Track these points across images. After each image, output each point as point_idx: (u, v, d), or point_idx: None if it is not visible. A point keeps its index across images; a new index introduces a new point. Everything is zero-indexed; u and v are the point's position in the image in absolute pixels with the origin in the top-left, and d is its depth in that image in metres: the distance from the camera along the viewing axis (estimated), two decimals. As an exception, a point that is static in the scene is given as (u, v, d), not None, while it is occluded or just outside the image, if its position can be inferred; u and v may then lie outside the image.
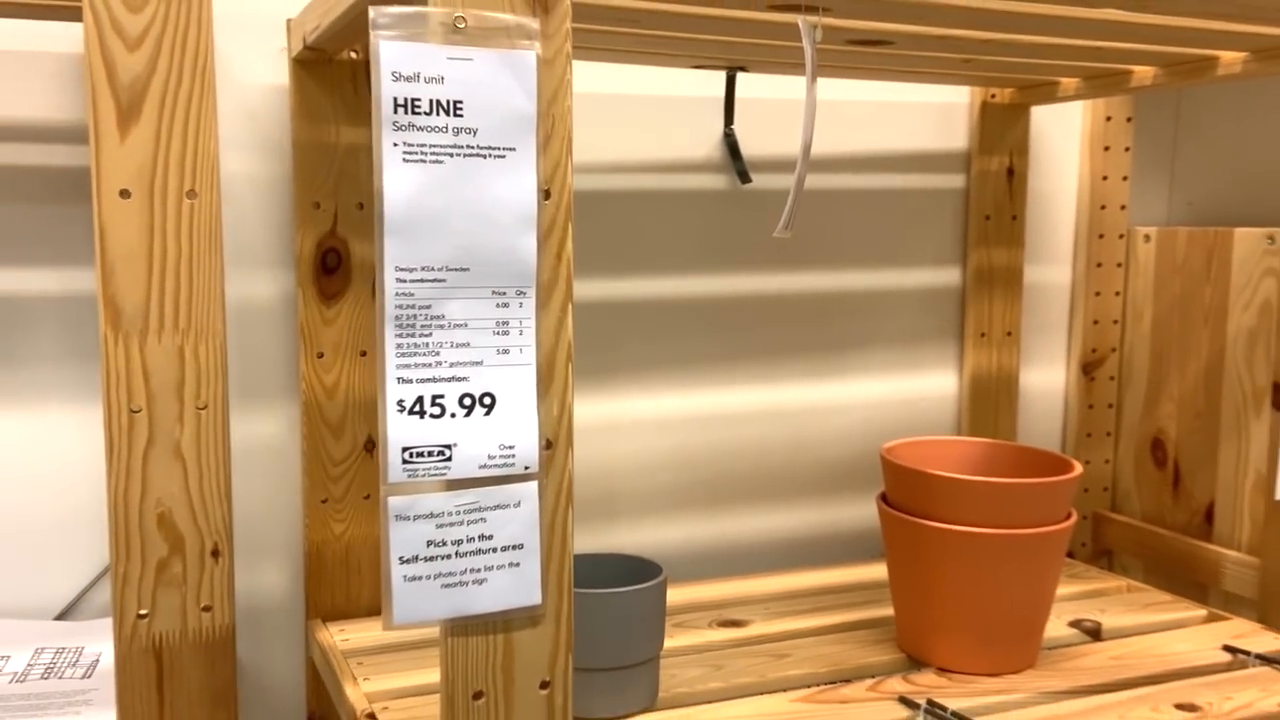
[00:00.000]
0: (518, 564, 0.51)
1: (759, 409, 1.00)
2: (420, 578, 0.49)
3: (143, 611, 0.60)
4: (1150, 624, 0.87)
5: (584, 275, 0.93)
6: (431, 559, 0.49)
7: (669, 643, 0.83)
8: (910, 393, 1.04)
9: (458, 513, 0.50)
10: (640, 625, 0.70)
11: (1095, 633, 0.86)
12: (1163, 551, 1.02)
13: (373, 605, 0.87)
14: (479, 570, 0.50)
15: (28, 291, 0.79)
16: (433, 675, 0.76)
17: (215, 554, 0.61)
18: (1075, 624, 0.87)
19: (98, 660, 0.76)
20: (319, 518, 0.85)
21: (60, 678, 0.74)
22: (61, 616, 0.82)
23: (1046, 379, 1.09)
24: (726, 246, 0.97)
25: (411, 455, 0.48)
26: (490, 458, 0.50)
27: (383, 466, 0.48)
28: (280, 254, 0.84)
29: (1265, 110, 1.07)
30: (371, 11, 0.47)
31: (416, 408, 0.48)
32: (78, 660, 0.76)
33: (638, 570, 0.75)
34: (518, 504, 0.50)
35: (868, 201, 1.01)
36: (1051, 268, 1.08)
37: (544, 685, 0.53)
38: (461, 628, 0.51)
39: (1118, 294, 1.07)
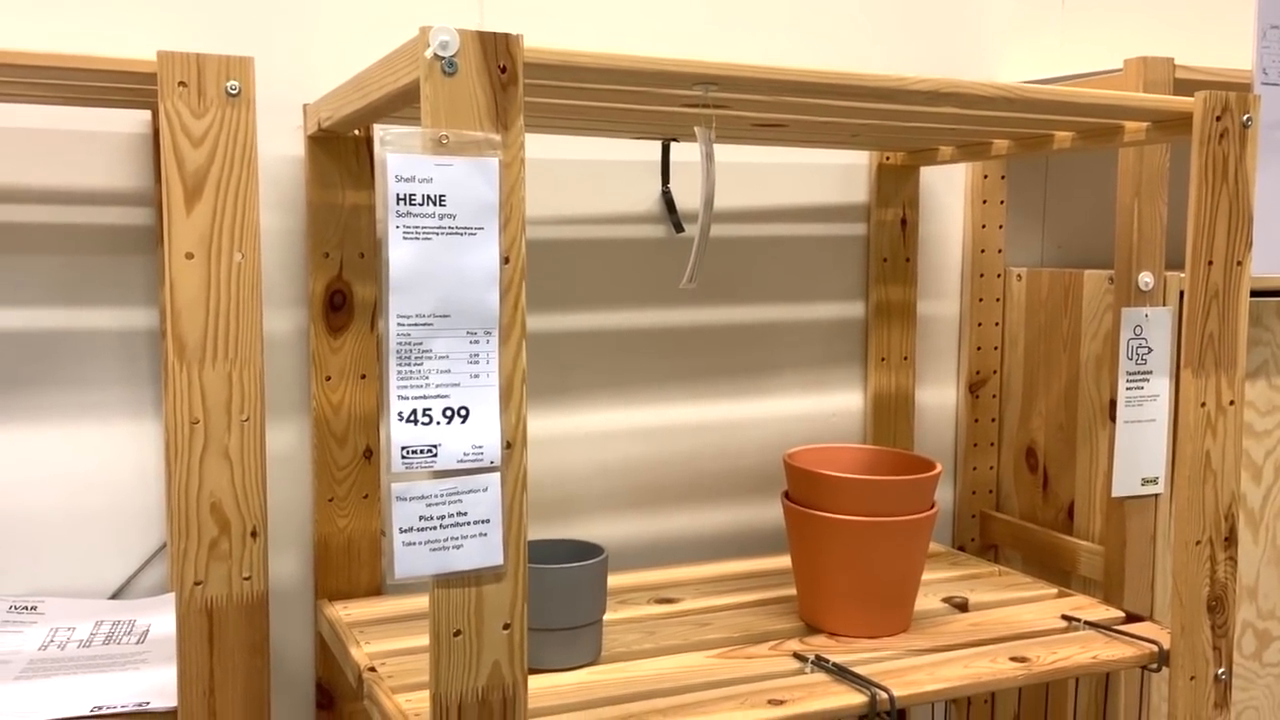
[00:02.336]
0: (485, 534, 0.69)
1: (691, 423, 1.18)
2: (414, 543, 0.68)
3: (198, 581, 0.78)
4: (1009, 600, 1.06)
5: (541, 311, 1.12)
6: (423, 530, 0.68)
7: (613, 615, 1.01)
8: (822, 409, 1.24)
9: (442, 495, 0.68)
10: (585, 594, 0.89)
11: (963, 606, 1.05)
12: (1035, 544, 1.21)
13: (371, 586, 1.05)
14: (457, 539, 0.68)
15: (93, 327, 0.96)
16: (420, 639, 0.93)
17: (254, 534, 0.79)
18: (947, 600, 1.06)
19: (149, 630, 0.93)
20: (326, 514, 1.02)
21: (118, 644, 0.91)
22: (115, 596, 0.99)
23: (939, 397, 1.29)
24: (663, 286, 1.16)
25: (407, 452, 0.67)
26: (465, 454, 0.68)
27: (386, 461, 0.66)
28: (295, 294, 1.02)
29: (1112, 168, 1.27)
30: (379, 130, 0.66)
31: (411, 417, 0.66)
32: (131, 630, 0.93)
33: (585, 551, 0.93)
34: (485, 489, 0.69)
35: (783, 247, 1.20)
36: (941, 302, 1.28)
37: (505, 626, 0.71)
38: (445, 581, 0.69)
39: (997, 324, 1.27)
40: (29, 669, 0.85)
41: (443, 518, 0.68)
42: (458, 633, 0.69)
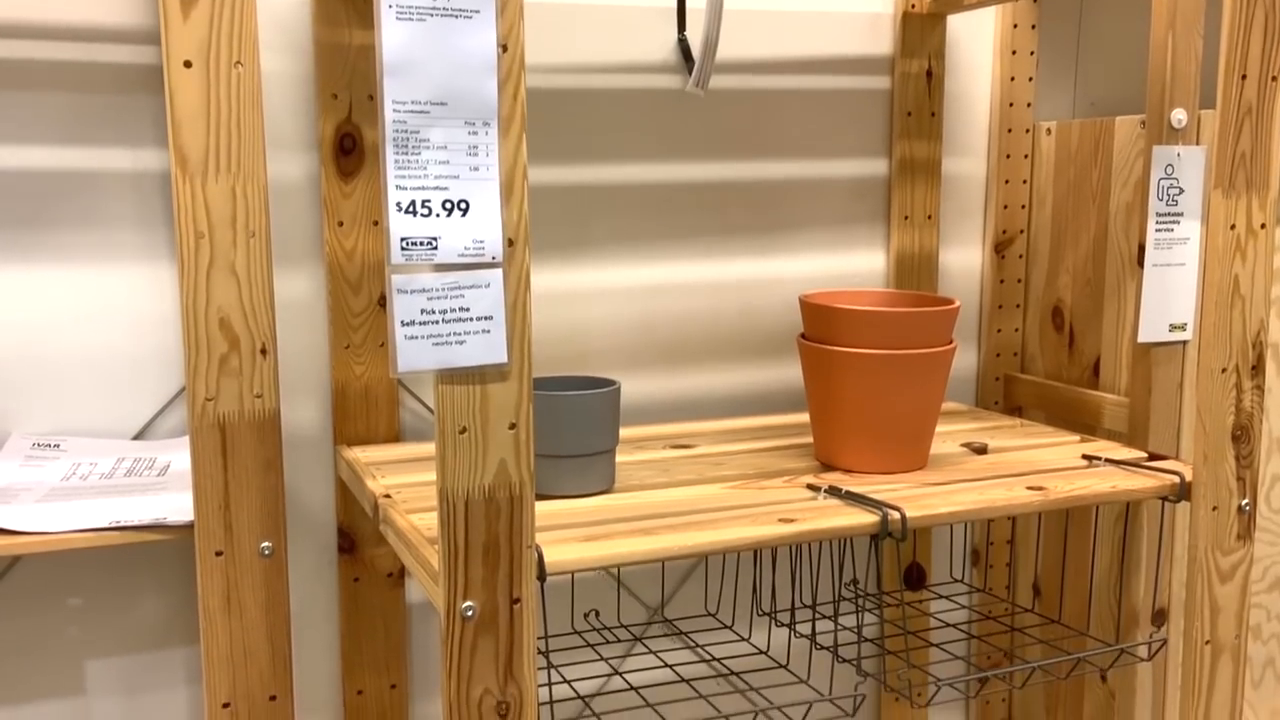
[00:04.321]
0: (489, 331, 0.69)
1: (710, 281, 1.17)
2: (416, 337, 0.67)
3: (210, 396, 0.79)
4: (1029, 445, 1.05)
5: (556, 163, 1.10)
6: (424, 323, 0.67)
7: (627, 456, 1.01)
8: (843, 269, 1.22)
9: (443, 290, 0.67)
10: (598, 422, 0.88)
11: (982, 450, 1.03)
12: (1059, 402, 1.19)
13: (388, 433, 1.05)
14: (460, 334, 0.68)
15: (104, 168, 0.97)
16: (429, 475, 0.94)
17: (264, 352, 0.80)
18: (966, 444, 1.05)
19: (169, 465, 0.95)
20: (343, 361, 1.03)
21: (140, 476, 0.92)
22: (137, 437, 1.01)
23: (964, 258, 1.26)
24: (681, 139, 1.14)
25: (408, 244, 0.66)
26: (466, 249, 0.67)
27: (387, 253, 0.66)
28: (305, 140, 1.01)
29: (1148, 13, 1.22)
30: (373, -83, 0.64)
31: (410, 209, 0.66)
32: (153, 465, 0.95)
33: (598, 385, 0.93)
34: (488, 285, 0.68)
35: (804, 101, 1.17)
36: (966, 159, 1.24)
37: (511, 426, 0.71)
38: (448, 378, 0.69)
39: (1024, 182, 1.24)
40: (51, 494, 0.87)
41: (445, 312, 0.68)
42: (463, 430, 0.69)
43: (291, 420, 1.05)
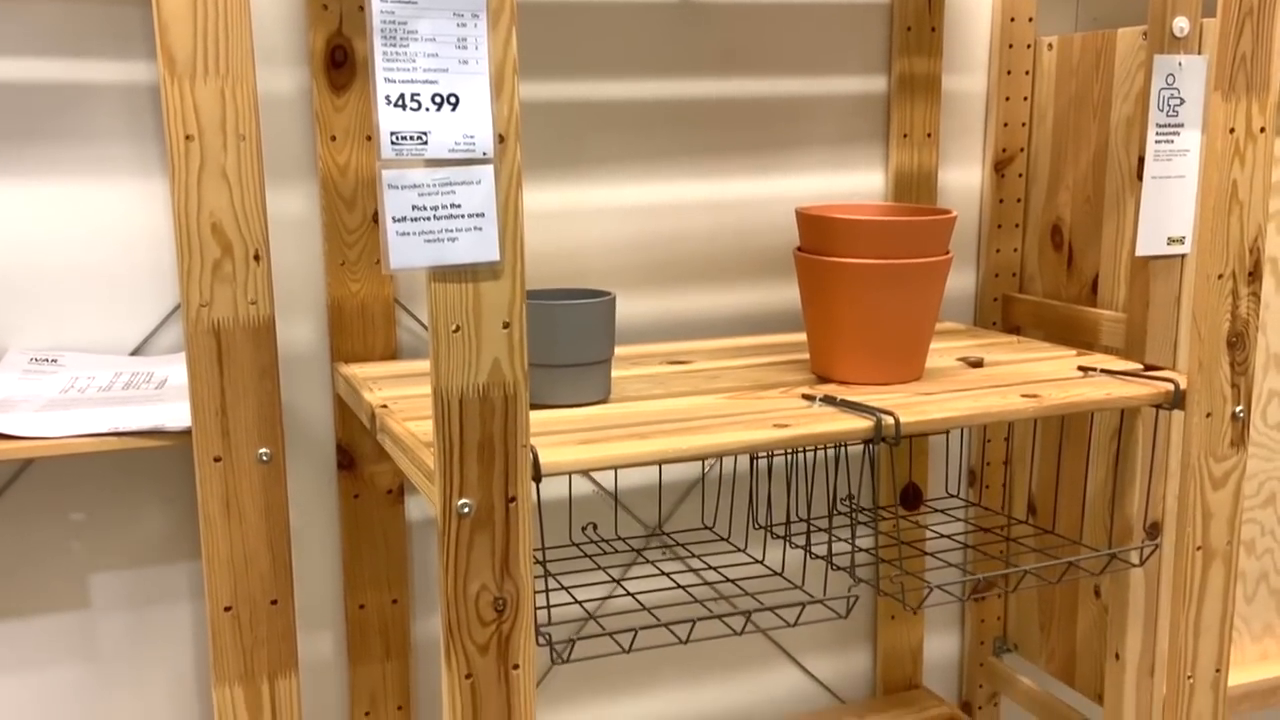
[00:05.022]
0: (481, 228, 0.68)
1: (708, 200, 1.16)
2: (408, 234, 0.67)
3: (204, 302, 0.79)
4: (1026, 359, 1.05)
5: (550, 79, 1.09)
6: (416, 220, 0.67)
7: (624, 372, 1.01)
8: (841, 188, 1.21)
9: (434, 185, 0.67)
10: (593, 332, 0.88)
11: (978, 364, 1.03)
12: (1056, 320, 1.19)
13: (385, 350, 1.06)
14: (452, 231, 0.68)
15: (93, 80, 0.96)
16: (427, 389, 0.94)
17: (257, 258, 0.79)
18: (962, 359, 1.05)
19: (167, 379, 0.95)
20: (338, 278, 1.03)
21: (137, 389, 0.93)
22: (135, 353, 1.01)
23: (963, 177, 1.25)
24: (678, 55, 1.12)
25: (397, 138, 0.66)
26: (456, 144, 0.67)
27: (377, 147, 0.65)
28: (296, 52, 1.00)
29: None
30: None
31: (400, 102, 0.65)
32: (150, 379, 0.95)
33: (595, 297, 0.93)
34: (479, 182, 0.68)
35: (803, 15, 1.16)
36: (967, 76, 1.23)
37: (505, 325, 0.71)
38: (441, 275, 0.69)
39: (1025, 99, 1.22)
40: (49, 405, 0.87)
41: (436, 208, 0.67)
42: (456, 328, 0.70)
43: (289, 338, 1.05)
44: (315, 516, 1.08)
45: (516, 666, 0.74)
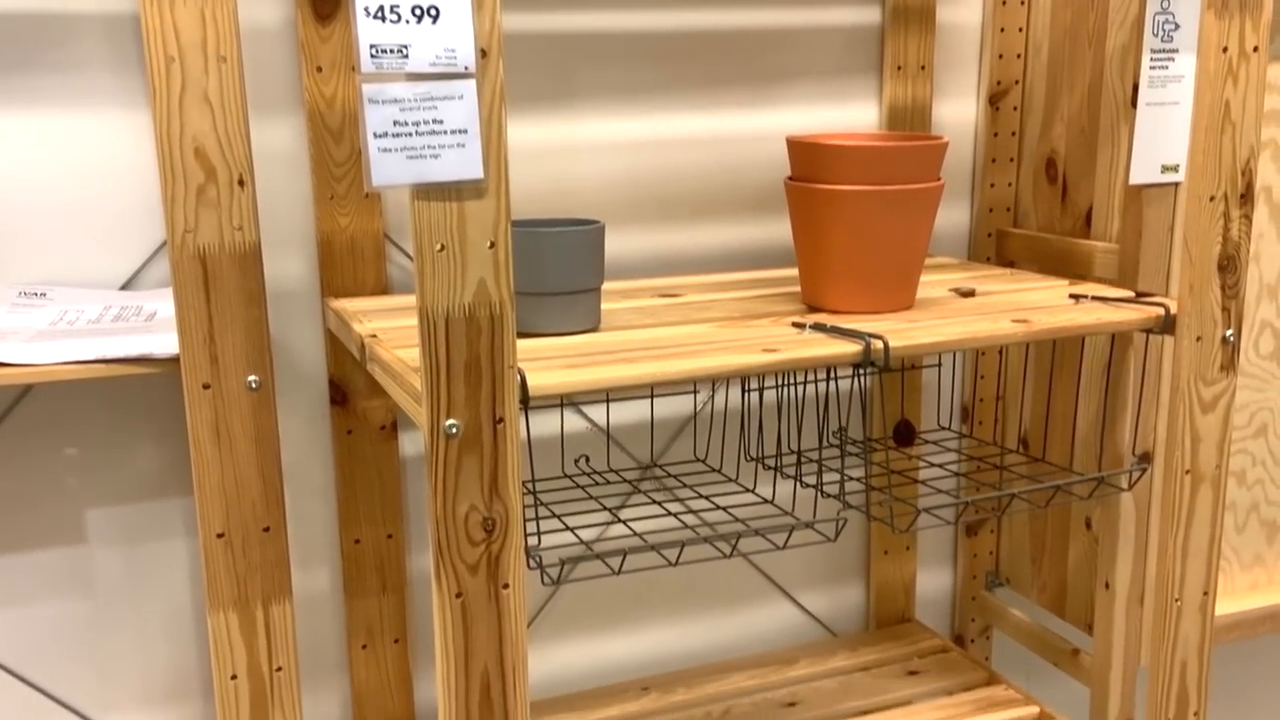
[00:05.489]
0: (464, 145, 0.68)
1: (700, 135, 1.15)
2: (390, 150, 0.67)
3: (189, 228, 0.78)
4: (1018, 288, 1.05)
5: (540, 7, 1.08)
6: (398, 135, 0.67)
7: (613, 304, 1.01)
8: (835, 121, 1.20)
9: (415, 100, 0.66)
10: (582, 260, 0.88)
11: (970, 293, 1.03)
12: (1050, 253, 1.19)
13: (376, 286, 1.05)
14: (434, 148, 0.68)
15: (76, 10, 0.95)
16: (414, 320, 0.94)
17: (241, 183, 0.79)
18: (954, 289, 1.05)
19: (155, 313, 0.95)
20: (327, 212, 1.02)
21: (127, 321, 0.93)
22: (124, 288, 1.01)
23: (958, 110, 1.24)
24: (667, -15, 1.11)
25: (377, 51, 0.65)
26: (438, 58, 0.66)
27: (357, 61, 0.65)
28: (280, -17, 0.99)
29: None
30: None
31: (379, 14, 0.64)
32: (139, 312, 0.95)
33: (584, 225, 0.92)
34: (461, 97, 0.67)
35: (793, -55, 1.14)
36: (961, 7, 1.21)
37: (491, 245, 0.70)
38: (425, 193, 0.68)
39: (1020, 30, 1.21)
40: (38, 336, 0.87)
41: (418, 124, 0.67)
42: (441, 247, 0.69)
43: (279, 274, 1.05)
44: (309, 453, 1.09)
45: (506, 586, 0.75)
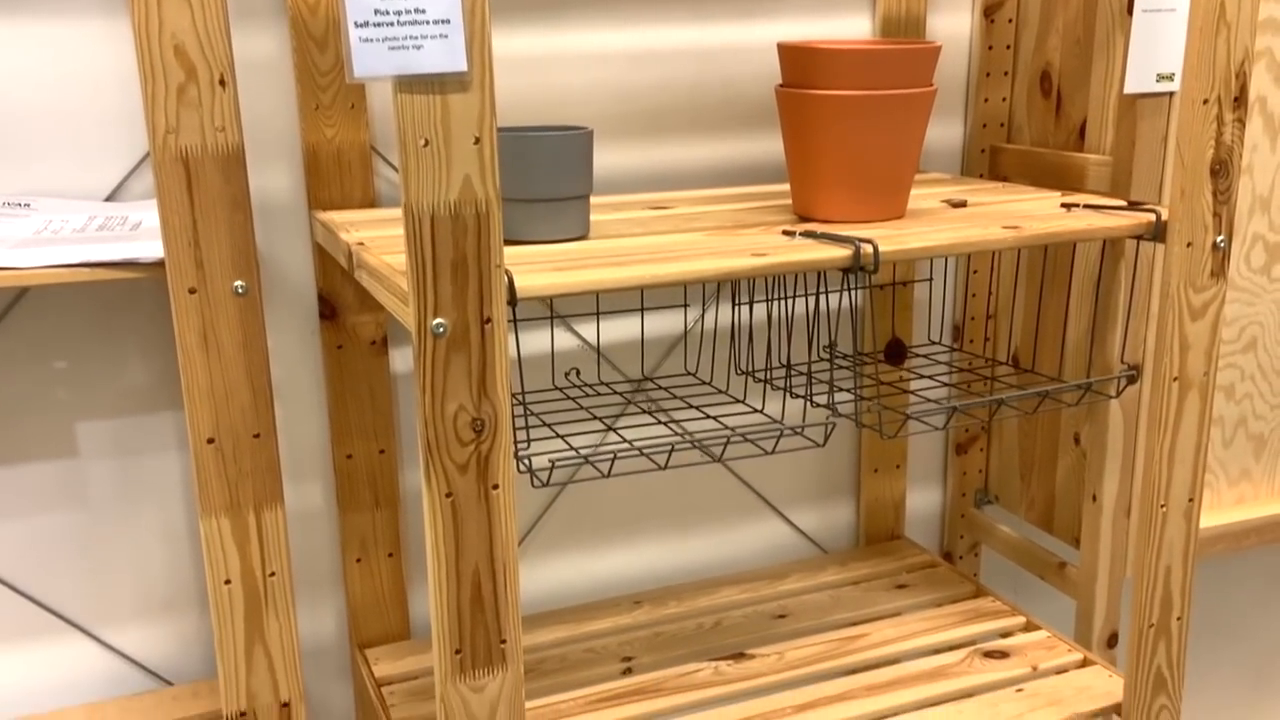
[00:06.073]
0: (446, 35, 0.67)
1: (690, 47, 1.14)
2: (371, 40, 0.66)
3: (170, 129, 0.77)
4: (1010, 199, 1.04)
5: (528, -87, 1.06)
6: (379, 25, 0.66)
7: (602, 216, 1.00)
8: (827, 35, 1.18)
9: (397, -11, 0.65)
10: (569, 166, 0.87)
11: (961, 204, 1.02)
12: (1043, 167, 1.18)
13: (363, 199, 1.04)
14: (416, 39, 0.66)
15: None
16: (397, 231, 0.94)
17: (222, 83, 0.78)
18: (946, 200, 1.04)
19: (141, 223, 0.94)
20: (313, 123, 1.01)
21: (112, 230, 0.92)
22: (109, 199, 1.00)
23: (952, 23, 1.22)
24: (657, -109, 1.08)
25: (358, -64, 0.63)
26: (419, -56, 0.65)
27: (337, -53, 0.63)
28: (260, -115, 0.97)
29: None
30: None
31: (359, -103, 0.63)
32: (124, 222, 0.94)
33: (573, 130, 0.91)
34: (444, -14, 0.66)
35: None
36: (957, -85, 1.19)
37: (475, 140, 0.70)
38: (408, 85, 0.67)
39: (1017, -61, 1.19)
40: (23, 244, 0.87)
41: (400, 13, 0.66)
42: (425, 142, 0.69)
43: (265, 187, 1.04)
44: (300, 369, 1.09)
45: (496, 486, 0.75)
